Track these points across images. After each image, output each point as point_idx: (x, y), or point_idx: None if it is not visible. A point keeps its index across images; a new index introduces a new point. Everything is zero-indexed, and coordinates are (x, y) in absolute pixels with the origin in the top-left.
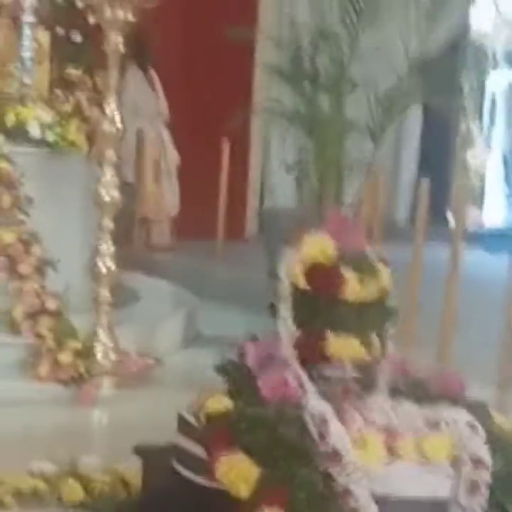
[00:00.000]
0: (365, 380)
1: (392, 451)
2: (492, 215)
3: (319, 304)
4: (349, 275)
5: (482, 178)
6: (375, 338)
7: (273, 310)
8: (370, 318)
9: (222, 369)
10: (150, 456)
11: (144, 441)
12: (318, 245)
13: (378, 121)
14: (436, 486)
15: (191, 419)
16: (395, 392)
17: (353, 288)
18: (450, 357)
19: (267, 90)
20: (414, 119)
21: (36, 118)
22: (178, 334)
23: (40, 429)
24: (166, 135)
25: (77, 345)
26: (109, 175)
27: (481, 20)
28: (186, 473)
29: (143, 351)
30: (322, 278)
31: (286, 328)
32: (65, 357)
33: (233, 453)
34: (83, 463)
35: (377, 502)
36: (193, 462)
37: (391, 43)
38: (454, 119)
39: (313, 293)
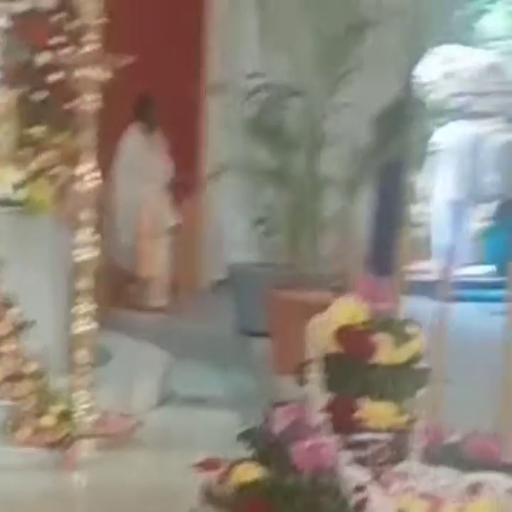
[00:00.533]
0: (399, 446)
1: None
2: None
3: (352, 368)
4: (382, 338)
5: (428, 230)
6: (408, 402)
7: (301, 373)
8: (403, 381)
9: (246, 436)
10: None
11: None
12: (349, 308)
13: (353, 177)
14: None
15: (217, 489)
16: (429, 457)
17: (387, 352)
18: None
19: (226, 145)
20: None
21: (4, 177)
22: (153, 393)
23: (25, 495)
24: (163, 198)
25: (59, 408)
26: (83, 235)
27: (427, 73)
28: None
29: (121, 411)
30: (355, 342)
31: (317, 392)
32: (48, 420)
33: None
34: None
35: None
36: None
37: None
38: (405, 172)
39: (346, 357)
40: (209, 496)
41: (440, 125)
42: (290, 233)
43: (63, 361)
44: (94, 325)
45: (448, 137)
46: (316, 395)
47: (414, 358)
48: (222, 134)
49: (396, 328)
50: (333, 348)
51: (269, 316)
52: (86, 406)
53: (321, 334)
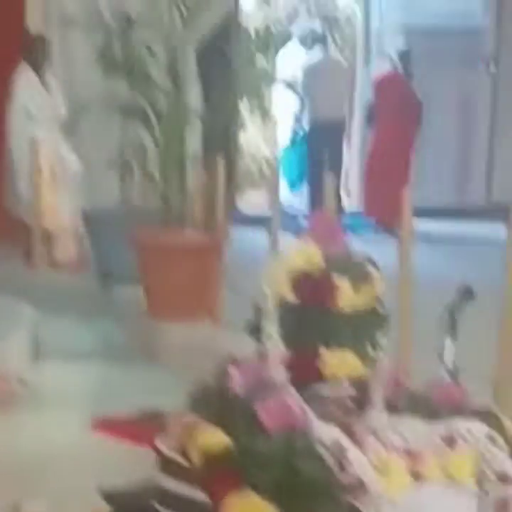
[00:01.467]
0: (361, 397)
1: (415, 474)
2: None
3: (310, 317)
4: (341, 283)
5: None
6: (370, 351)
7: (254, 329)
8: (364, 328)
9: (200, 397)
10: (122, 502)
11: (107, 485)
12: (303, 253)
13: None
14: (465, 508)
15: (176, 457)
16: (391, 407)
17: (347, 296)
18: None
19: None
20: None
21: None
22: (25, 349)
23: None
24: (62, 141)
25: None
26: None
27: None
28: None
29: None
30: (312, 288)
31: (274, 346)
32: None
33: (243, 493)
34: (27, 508)
35: None
36: (185, 506)
37: None
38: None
39: (303, 305)
40: (167, 466)
41: (268, 54)
42: (160, 172)
43: None
44: None
45: (278, 65)
46: (275, 349)
47: (374, 303)
48: (75, 71)
49: (355, 271)
50: (289, 296)
51: (139, 259)
52: None
53: (276, 282)
